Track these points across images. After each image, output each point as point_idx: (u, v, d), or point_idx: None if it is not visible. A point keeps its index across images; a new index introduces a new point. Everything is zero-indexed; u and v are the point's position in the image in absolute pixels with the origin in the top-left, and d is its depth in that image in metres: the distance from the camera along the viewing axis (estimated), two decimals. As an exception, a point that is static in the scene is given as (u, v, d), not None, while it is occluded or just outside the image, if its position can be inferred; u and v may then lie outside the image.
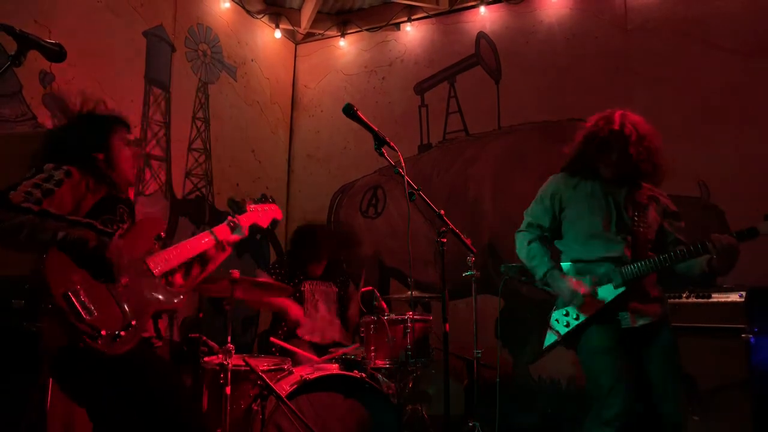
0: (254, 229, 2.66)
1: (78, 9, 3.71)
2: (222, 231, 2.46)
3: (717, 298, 3.15)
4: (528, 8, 4.82)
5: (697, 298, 3.23)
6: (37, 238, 1.82)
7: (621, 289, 2.53)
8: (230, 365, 2.73)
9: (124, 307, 1.95)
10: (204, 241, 2.37)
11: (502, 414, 3.52)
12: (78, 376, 1.89)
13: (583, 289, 2.56)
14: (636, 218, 2.63)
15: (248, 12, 5.23)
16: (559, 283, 2.62)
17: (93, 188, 2.07)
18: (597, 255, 2.61)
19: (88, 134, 2.15)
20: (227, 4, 4.99)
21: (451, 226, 2.43)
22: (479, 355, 3.56)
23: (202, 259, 2.40)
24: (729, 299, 3.09)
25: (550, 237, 2.79)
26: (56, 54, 1.75)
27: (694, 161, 4.03)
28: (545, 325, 2.72)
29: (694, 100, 4.13)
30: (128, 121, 2.32)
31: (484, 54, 4.97)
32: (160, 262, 2.16)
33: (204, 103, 4.78)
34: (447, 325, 2.35)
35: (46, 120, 3.47)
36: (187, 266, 2.37)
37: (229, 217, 2.56)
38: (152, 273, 2.12)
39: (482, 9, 4.95)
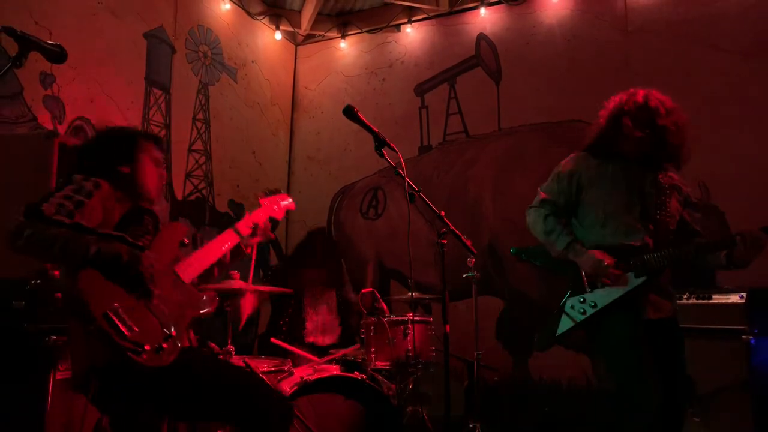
0: (272, 222, 2.57)
1: (79, 11, 3.72)
2: (244, 227, 2.41)
3: (717, 299, 3.14)
4: (528, 9, 4.82)
5: (697, 299, 3.23)
6: (70, 251, 1.80)
7: (642, 279, 2.44)
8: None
9: (162, 319, 1.95)
10: (225, 245, 2.33)
11: (503, 414, 3.52)
12: (124, 391, 1.89)
13: (608, 259, 2.44)
14: (659, 206, 2.54)
15: (249, 13, 5.23)
16: (581, 255, 2.49)
17: (121, 200, 2.08)
18: (618, 241, 2.49)
19: (115, 147, 2.16)
20: (228, 6, 4.99)
21: (452, 227, 2.42)
22: (480, 356, 3.56)
23: (220, 260, 2.37)
24: (729, 300, 3.08)
25: (565, 216, 2.66)
26: (57, 55, 1.75)
27: (694, 162, 3.99)
28: (549, 320, 2.59)
29: (695, 102, 4.12)
30: (161, 139, 2.32)
31: (485, 55, 4.97)
32: (187, 269, 2.15)
33: (204, 105, 4.79)
34: (447, 327, 2.35)
35: (47, 121, 3.47)
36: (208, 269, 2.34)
37: (247, 215, 2.48)
38: (182, 281, 2.11)
39: (482, 10, 4.95)
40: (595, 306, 2.48)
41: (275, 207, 2.56)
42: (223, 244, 2.31)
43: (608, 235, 2.52)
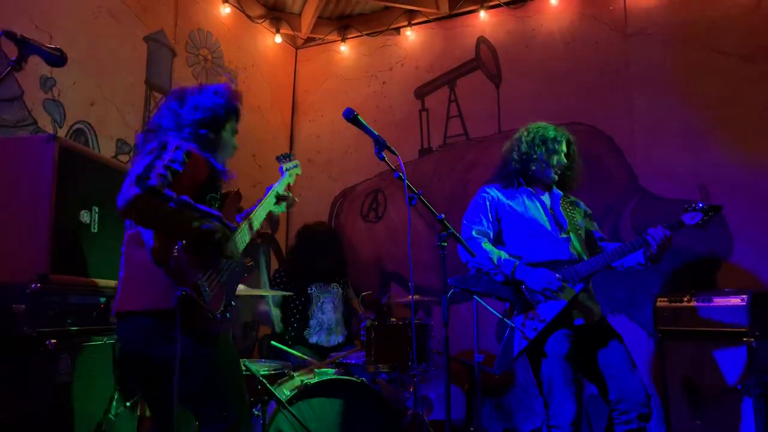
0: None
1: (79, 14, 3.72)
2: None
3: (718, 302, 3.14)
4: (528, 13, 4.83)
5: (698, 302, 3.23)
6: (175, 225, 1.94)
7: (580, 286, 2.68)
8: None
9: (226, 288, 2.12)
10: (267, 214, 2.52)
11: (504, 418, 3.51)
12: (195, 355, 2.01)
13: (556, 276, 2.68)
14: (570, 221, 2.86)
15: (249, 17, 5.24)
16: (530, 273, 2.71)
17: (203, 167, 2.16)
18: (546, 257, 2.75)
19: (213, 114, 2.24)
20: (228, 10, 5.00)
21: (452, 230, 2.42)
22: (481, 359, 3.55)
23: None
24: (731, 303, 3.08)
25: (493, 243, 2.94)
26: (57, 59, 1.76)
27: (693, 164, 4.03)
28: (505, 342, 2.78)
29: (694, 104, 4.13)
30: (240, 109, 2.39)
31: (485, 58, 4.97)
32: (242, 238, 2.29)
33: (205, 108, 4.78)
34: (448, 330, 2.35)
35: (47, 125, 3.47)
36: None
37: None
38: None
39: (482, 13, 4.96)
40: (545, 320, 2.67)
41: (291, 175, 2.81)
42: (265, 212, 2.52)
43: (536, 253, 2.79)
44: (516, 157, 2.96)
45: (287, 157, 2.86)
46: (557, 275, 2.67)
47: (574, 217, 2.89)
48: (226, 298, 2.12)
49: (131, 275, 2.12)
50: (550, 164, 2.89)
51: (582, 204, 3.05)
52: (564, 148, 2.93)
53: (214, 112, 2.24)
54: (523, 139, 2.97)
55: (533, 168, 2.91)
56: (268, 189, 2.63)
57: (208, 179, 2.17)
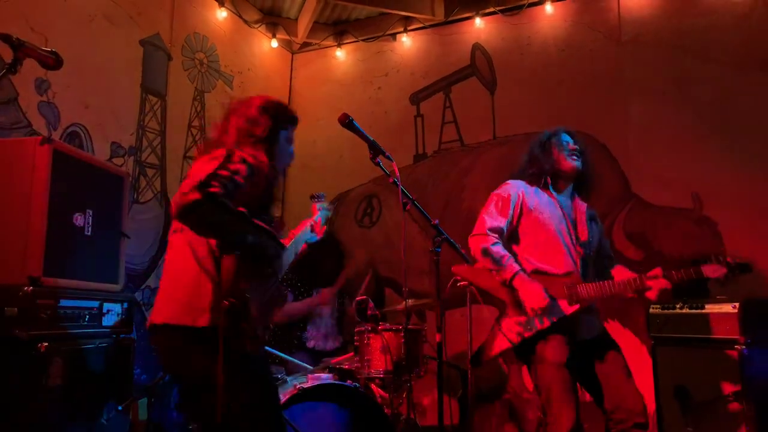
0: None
1: (75, 17, 3.72)
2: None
3: (710, 309, 3.15)
4: (523, 20, 4.85)
5: (690, 309, 3.24)
6: (230, 237, 1.90)
7: (576, 305, 2.62)
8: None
9: (262, 308, 2.03)
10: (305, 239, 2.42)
11: (497, 423, 3.51)
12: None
13: (545, 296, 2.61)
14: (585, 234, 2.79)
15: (245, 21, 5.25)
16: (525, 285, 2.64)
17: (261, 181, 2.08)
18: (555, 268, 2.70)
19: (276, 126, 2.18)
20: (224, 14, 5.01)
21: (446, 235, 2.43)
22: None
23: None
24: (722, 310, 3.09)
25: (506, 243, 2.84)
26: (52, 62, 1.76)
27: (687, 172, 4.05)
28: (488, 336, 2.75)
29: (688, 112, 4.16)
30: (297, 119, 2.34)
31: (480, 65, 5.00)
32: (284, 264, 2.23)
33: (200, 112, 4.79)
34: (441, 335, 2.35)
35: (42, 128, 3.47)
36: None
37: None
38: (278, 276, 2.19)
39: (478, 20, 4.98)
40: (532, 330, 2.62)
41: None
42: (301, 241, 2.41)
43: (550, 262, 2.72)
44: (531, 161, 2.92)
45: (319, 197, 2.76)
46: (545, 296, 2.60)
47: (591, 231, 2.83)
48: (265, 319, 2.06)
49: (173, 284, 2.04)
50: (557, 159, 2.84)
51: (599, 219, 2.97)
52: (566, 138, 2.89)
53: (273, 121, 2.19)
54: (533, 145, 2.95)
55: (548, 166, 2.85)
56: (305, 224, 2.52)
57: (265, 193, 2.13)
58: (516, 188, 2.86)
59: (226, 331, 1.85)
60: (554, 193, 2.85)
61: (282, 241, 2.17)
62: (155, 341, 2.03)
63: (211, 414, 1.87)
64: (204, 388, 1.89)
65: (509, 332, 2.65)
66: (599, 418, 2.78)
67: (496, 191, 2.90)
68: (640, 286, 2.63)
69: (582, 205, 2.90)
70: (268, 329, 2.08)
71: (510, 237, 2.84)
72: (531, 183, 2.88)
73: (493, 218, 2.80)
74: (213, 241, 1.95)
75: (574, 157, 2.85)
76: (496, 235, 2.77)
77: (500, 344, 2.67)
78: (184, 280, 1.98)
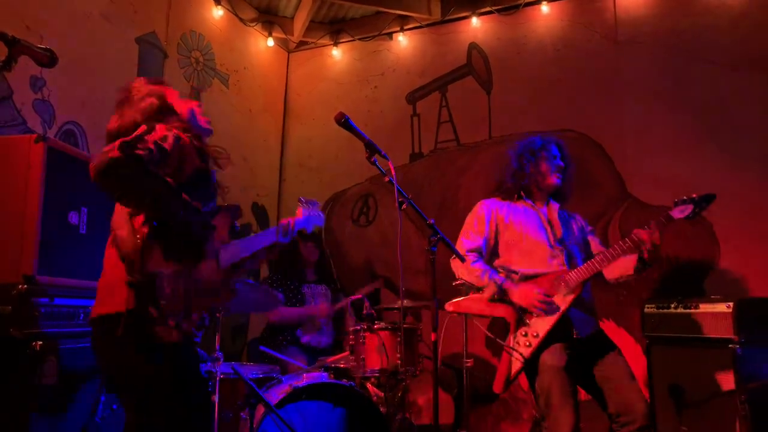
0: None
1: (71, 15, 3.70)
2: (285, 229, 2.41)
3: (705, 308, 3.16)
4: (520, 20, 4.86)
5: (684, 308, 3.25)
6: (157, 208, 1.78)
7: (570, 295, 2.66)
8: (219, 373, 2.72)
9: (189, 296, 1.90)
10: (265, 242, 2.31)
11: (493, 423, 3.51)
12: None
13: (536, 290, 2.68)
14: (560, 230, 2.86)
15: (241, 20, 5.23)
16: (517, 287, 2.72)
17: (195, 155, 1.98)
18: (541, 270, 2.75)
19: None
20: (220, 12, 4.99)
21: (442, 234, 2.43)
22: (469, 364, 3.56)
23: (254, 254, 2.31)
24: (717, 310, 3.10)
25: (489, 260, 2.94)
26: (47, 59, 1.74)
27: (682, 173, 4.06)
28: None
29: (684, 112, 4.17)
30: None
31: (476, 64, 5.00)
32: (228, 256, 2.10)
33: (196, 110, 4.77)
34: (436, 334, 2.35)
35: (37, 125, 3.45)
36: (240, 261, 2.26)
37: (290, 221, 2.46)
38: (219, 264, 2.05)
39: (474, 20, 4.99)
40: (538, 335, 2.65)
41: (310, 218, 2.60)
42: (265, 240, 2.31)
43: (533, 265, 2.79)
44: (510, 173, 3.01)
45: (311, 203, 2.73)
46: (537, 290, 2.67)
47: (571, 229, 2.91)
48: (189, 309, 1.88)
49: (102, 275, 1.97)
50: (543, 173, 2.92)
51: (579, 218, 3.05)
52: (555, 152, 2.96)
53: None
54: (513, 157, 3.03)
55: (526, 182, 2.95)
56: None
57: (197, 174, 1.99)
58: (489, 206, 2.99)
59: (129, 315, 1.74)
60: (529, 200, 2.96)
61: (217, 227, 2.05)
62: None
63: (128, 408, 1.83)
64: (120, 381, 1.82)
65: (519, 347, 2.68)
66: (597, 418, 2.79)
67: (471, 212, 3.03)
68: (625, 248, 2.66)
69: (555, 205, 2.98)
70: (192, 321, 1.89)
71: (493, 254, 2.94)
72: (504, 199, 3.00)
73: (470, 239, 2.93)
74: (137, 223, 1.82)
75: (559, 175, 2.95)
76: (476, 254, 2.88)
77: (516, 363, 2.69)
78: (105, 269, 1.93)
